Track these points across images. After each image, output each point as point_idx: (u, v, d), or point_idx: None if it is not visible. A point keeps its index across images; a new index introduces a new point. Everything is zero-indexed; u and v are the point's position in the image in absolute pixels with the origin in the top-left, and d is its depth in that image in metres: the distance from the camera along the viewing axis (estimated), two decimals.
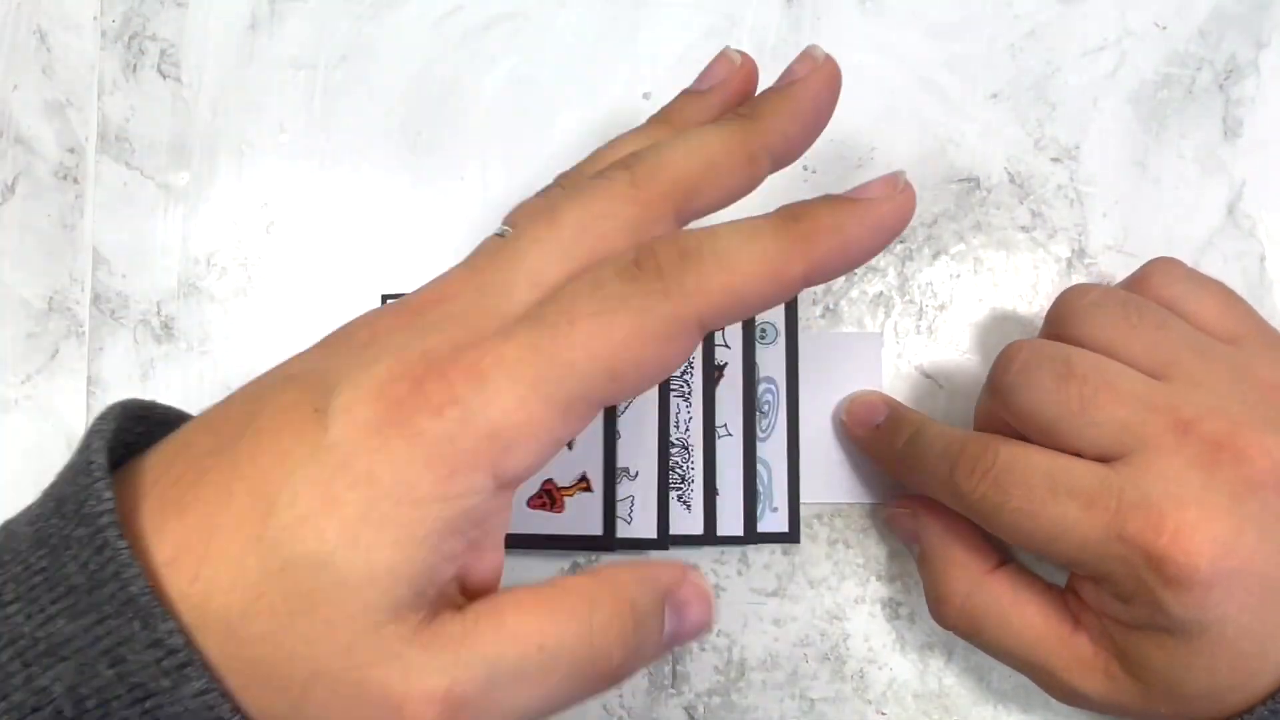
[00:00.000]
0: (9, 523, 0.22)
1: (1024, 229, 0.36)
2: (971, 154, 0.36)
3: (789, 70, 0.27)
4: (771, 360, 0.35)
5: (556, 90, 0.37)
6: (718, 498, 0.34)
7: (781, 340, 0.35)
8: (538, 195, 0.27)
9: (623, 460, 0.34)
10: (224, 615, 0.20)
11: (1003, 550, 0.32)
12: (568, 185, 0.26)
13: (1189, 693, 0.26)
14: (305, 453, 0.21)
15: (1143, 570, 0.25)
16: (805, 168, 0.36)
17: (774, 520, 0.35)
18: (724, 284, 0.22)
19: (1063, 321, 0.30)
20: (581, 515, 0.33)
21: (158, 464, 0.22)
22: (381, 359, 0.21)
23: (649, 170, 0.24)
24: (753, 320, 0.35)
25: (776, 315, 0.35)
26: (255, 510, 0.20)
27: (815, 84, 0.26)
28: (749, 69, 0.28)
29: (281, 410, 0.21)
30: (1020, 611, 0.29)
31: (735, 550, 0.35)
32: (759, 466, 0.35)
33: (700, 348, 0.35)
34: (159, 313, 0.37)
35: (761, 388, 0.35)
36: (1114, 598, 0.27)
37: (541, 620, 0.22)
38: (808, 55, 0.27)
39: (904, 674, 0.35)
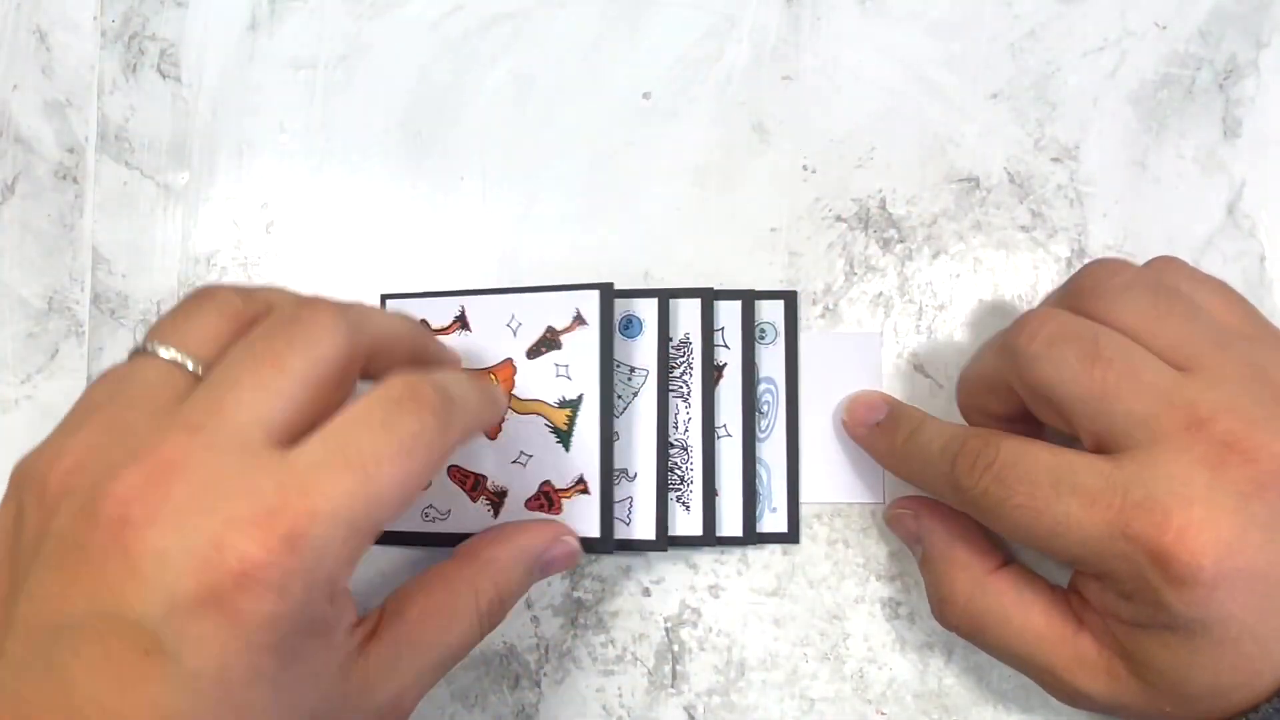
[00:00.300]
0: None
1: (1024, 229, 0.36)
2: (971, 154, 0.36)
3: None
4: (771, 360, 0.35)
5: (556, 90, 0.37)
6: (717, 498, 0.34)
7: (781, 340, 0.35)
8: (191, 308, 0.27)
9: (621, 462, 0.34)
10: None
11: (1005, 550, 0.32)
12: (267, 333, 0.26)
13: (1193, 691, 0.26)
14: (177, 691, 0.21)
15: (1146, 568, 0.25)
16: (805, 167, 0.36)
17: (774, 521, 0.35)
18: (471, 414, 0.28)
19: (1091, 296, 0.29)
20: (579, 517, 0.33)
21: None
22: (173, 569, 0.22)
23: (356, 318, 0.26)
24: (753, 319, 0.35)
25: (776, 315, 0.35)
26: None
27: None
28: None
29: (100, 670, 0.21)
30: (1023, 612, 0.29)
31: (735, 550, 0.35)
32: (758, 467, 0.35)
33: (700, 347, 0.35)
34: (159, 312, 0.37)
35: (761, 388, 0.35)
36: (1117, 596, 0.27)
37: (445, 627, 0.29)
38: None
39: (904, 674, 0.35)
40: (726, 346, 0.35)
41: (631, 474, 0.34)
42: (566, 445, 0.33)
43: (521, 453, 0.34)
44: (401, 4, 0.38)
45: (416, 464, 0.24)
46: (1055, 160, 0.36)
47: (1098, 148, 0.36)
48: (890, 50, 0.37)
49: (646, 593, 0.35)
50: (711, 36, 0.37)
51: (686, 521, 0.34)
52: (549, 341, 0.34)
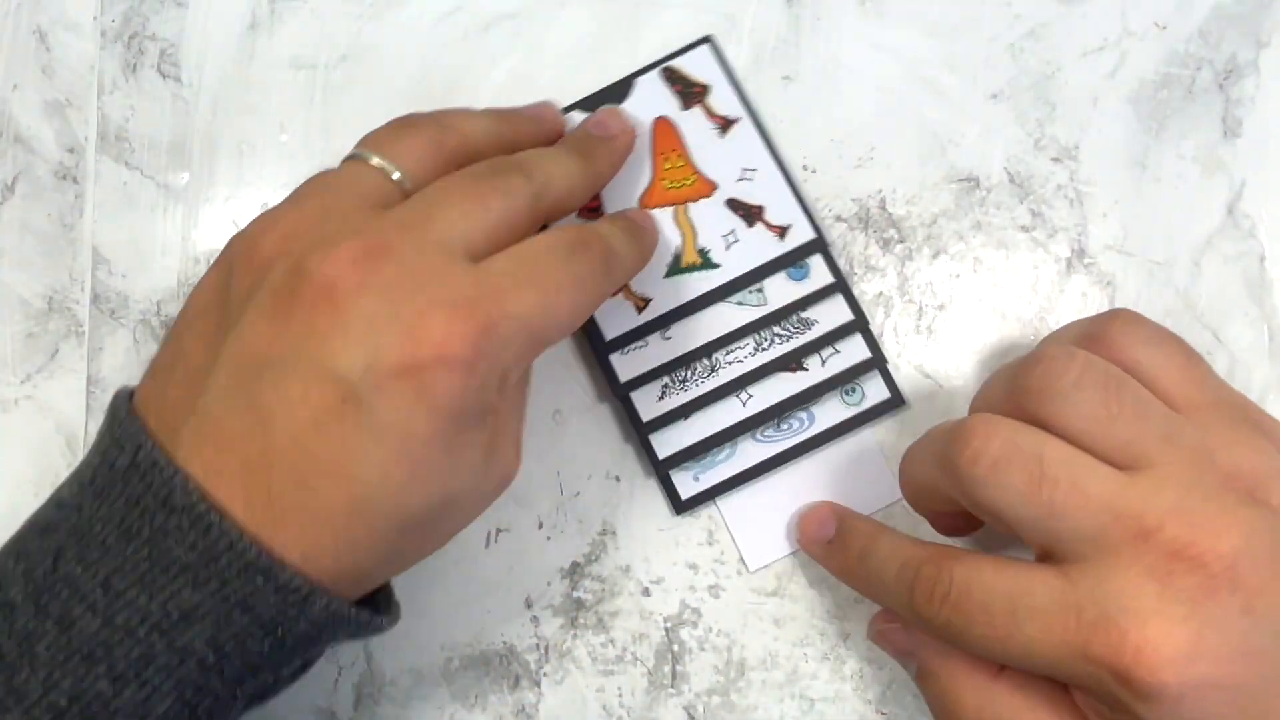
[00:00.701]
0: (52, 528, 0.26)
1: (1024, 229, 0.36)
2: (971, 154, 0.36)
3: (602, 123, 0.34)
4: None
5: (556, 90, 0.37)
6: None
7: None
8: (408, 133, 0.30)
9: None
10: (371, 566, 0.27)
11: None
12: (475, 174, 0.30)
13: None
14: (367, 439, 0.25)
15: (1113, 687, 0.25)
16: (805, 167, 0.36)
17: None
18: (626, 266, 0.32)
19: (1039, 398, 0.28)
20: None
21: (191, 468, 0.25)
22: (380, 332, 0.25)
23: (542, 186, 0.30)
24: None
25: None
26: (356, 498, 0.25)
27: (629, 140, 0.35)
28: (562, 126, 0.35)
29: (301, 406, 0.25)
30: (1033, 713, 0.28)
31: (735, 550, 0.35)
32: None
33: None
34: (159, 312, 0.37)
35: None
36: (1102, 704, 0.27)
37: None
38: (617, 114, 0.35)
39: (904, 674, 0.35)
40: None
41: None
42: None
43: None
44: (401, 4, 0.38)
45: (584, 297, 0.29)
46: (1055, 160, 0.36)
47: (1098, 148, 0.36)
48: (890, 50, 0.37)
49: (646, 593, 0.35)
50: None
51: None
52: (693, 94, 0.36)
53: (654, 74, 0.36)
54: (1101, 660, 0.25)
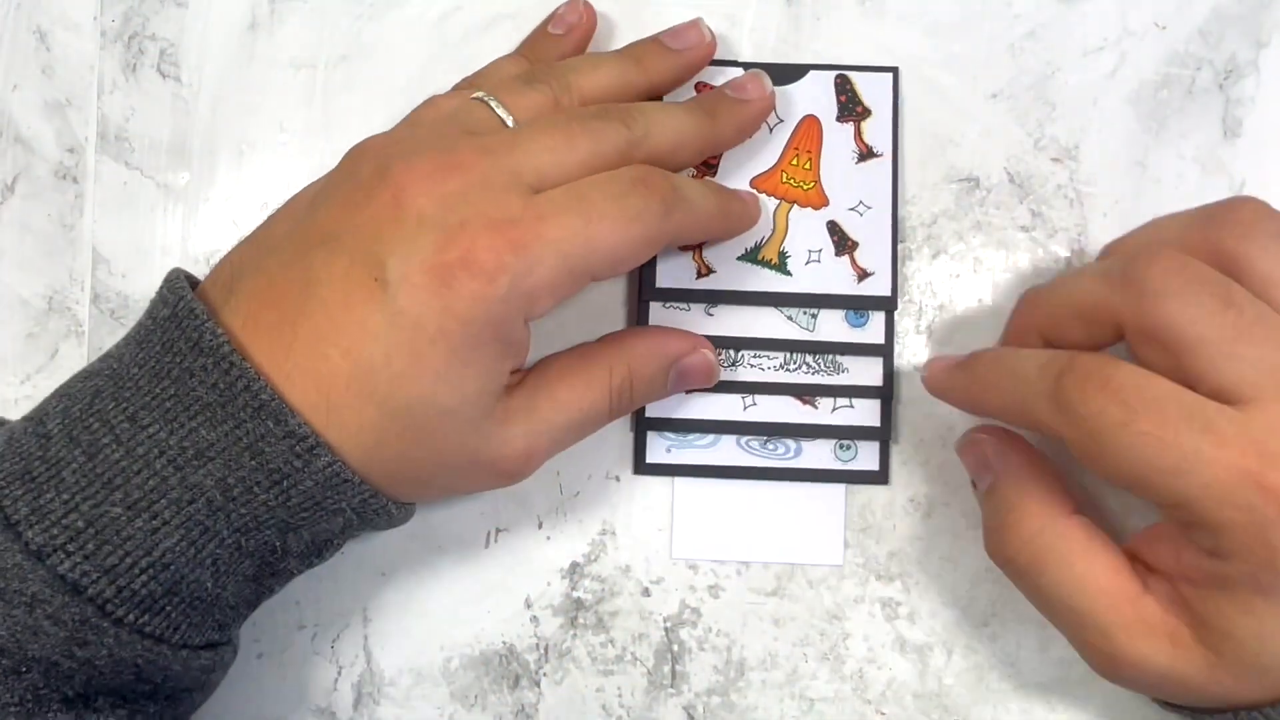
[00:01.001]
0: (96, 374, 0.28)
1: (1024, 229, 0.36)
2: (971, 154, 0.36)
3: (740, 85, 0.34)
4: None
5: None
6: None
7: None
8: (531, 88, 0.32)
9: None
10: (357, 448, 0.27)
11: (1079, 502, 0.30)
12: (575, 115, 0.31)
13: (1267, 662, 0.26)
14: (383, 320, 0.27)
15: (1271, 525, 0.24)
16: None
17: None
18: (695, 218, 0.31)
19: (1238, 232, 0.28)
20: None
21: (232, 320, 0.28)
22: (425, 232, 0.27)
23: (641, 136, 0.31)
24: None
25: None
26: (358, 370, 0.27)
27: (763, 109, 0.34)
28: (713, 48, 0.35)
29: (340, 279, 0.27)
30: (1090, 560, 0.28)
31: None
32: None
33: None
34: None
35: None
36: (1206, 554, 0.26)
37: (578, 391, 0.31)
38: (759, 80, 0.34)
39: (904, 674, 0.35)
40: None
41: None
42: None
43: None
44: (401, 4, 0.38)
45: (634, 233, 0.29)
46: (1055, 160, 0.36)
47: (1098, 148, 0.36)
48: (890, 50, 0.37)
49: (646, 593, 0.35)
50: None
51: None
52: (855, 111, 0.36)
53: (829, 74, 0.36)
54: (1276, 491, 0.24)
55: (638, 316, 0.35)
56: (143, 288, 0.37)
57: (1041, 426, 0.28)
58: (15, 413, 0.36)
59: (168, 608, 0.27)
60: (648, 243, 0.30)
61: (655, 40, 0.35)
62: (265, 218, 0.31)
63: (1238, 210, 0.28)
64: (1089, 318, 0.29)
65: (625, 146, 0.30)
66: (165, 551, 0.27)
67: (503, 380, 0.29)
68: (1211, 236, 0.28)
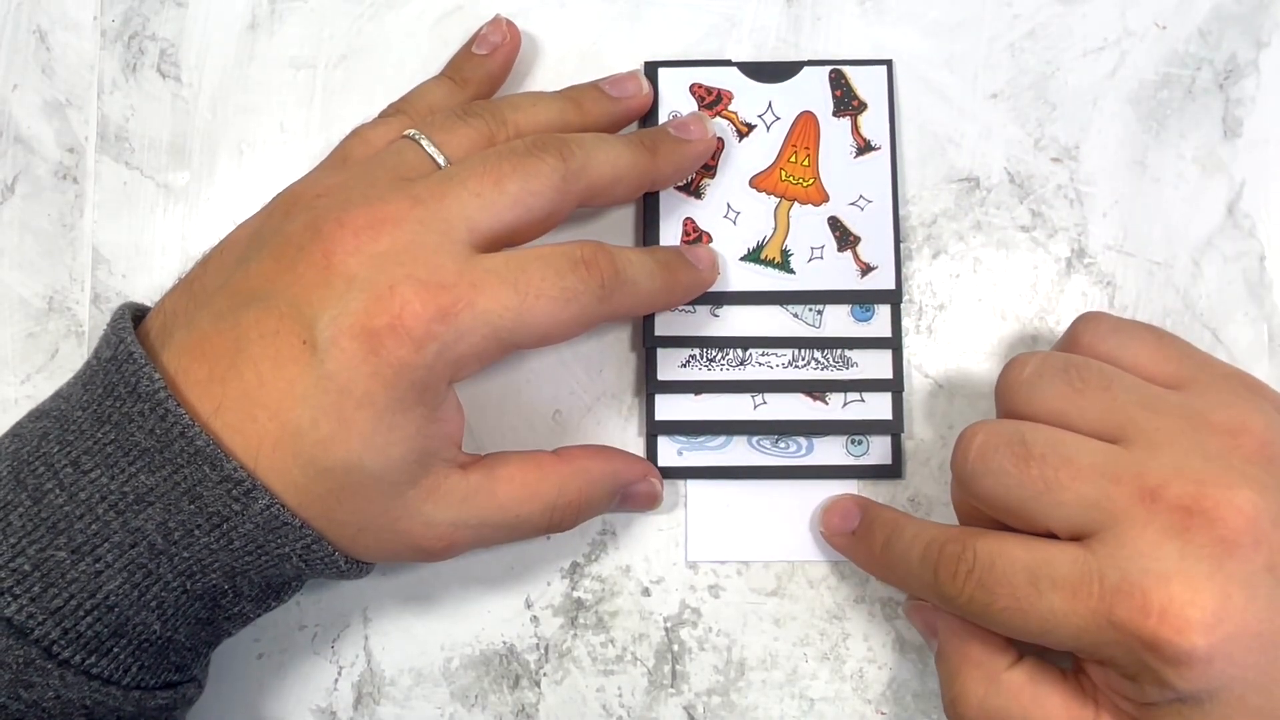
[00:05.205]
0: (45, 414, 0.28)
1: (1024, 229, 0.36)
2: (971, 154, 0.36)
3: (684, 124, 0.34)
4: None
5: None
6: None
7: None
8: (464, 123, 0.32)
9: None
10: (287, 503, 0.27)
11: (1019, 645, 0.31)
12: (506, 152, 0.30)
13: None
14: (310, 383, 0.27)
15: (1140, 652, 0.25)
16: None
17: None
18: (637, 299, 0.31)
19: (1009, 399, 0.29)
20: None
21: (168, 366, 0.28)
22: (355, 294, 0.27)
23: (578, 169, 0.30)
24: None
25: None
26: (285, 433, 0.27)
27: (703, 150, 0.34)
28: (649, 100, 0.35)
29: (270, 339, 0.27)
30: (1040, 707, 0.28)
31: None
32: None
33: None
34: None
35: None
36: (1122, 678, 0.26)
37: (522, 497, 0.30)
38: (701, 122, 0.34)
39: (904, 674, 0.35)
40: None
41: None
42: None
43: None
44: (401, 4, 0.38)
45: (568, 314, 0.29)
46: (1055, 160, 0.36)
47: (1098, 148, 0.36)
48: (890, 50, 0.37)
49: (646, 593, 0.35)
50: (712, 36, 0.37)
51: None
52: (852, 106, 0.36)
53: (823, 69, 0.36)
54: (1126, 625, 0.25)
55: (643, 318, 0.35)
56: (143, 288, 0.37)
57: (939, 606, 0.30)
58: (15, 412, 0.36)
59: (115, 649, 0.27)
60: (581, 324, 0.29)
61: (595, 86, 0.35)
62: (199, 259, 0.31)
63: (999, 381, 0.30)
64: (971, 512, 0.30)
65: (559, 181, 0.30)
66: (109, 594, 0.27)
67: (430, 445, 0.29)
68: (997, 410, 0.30)
